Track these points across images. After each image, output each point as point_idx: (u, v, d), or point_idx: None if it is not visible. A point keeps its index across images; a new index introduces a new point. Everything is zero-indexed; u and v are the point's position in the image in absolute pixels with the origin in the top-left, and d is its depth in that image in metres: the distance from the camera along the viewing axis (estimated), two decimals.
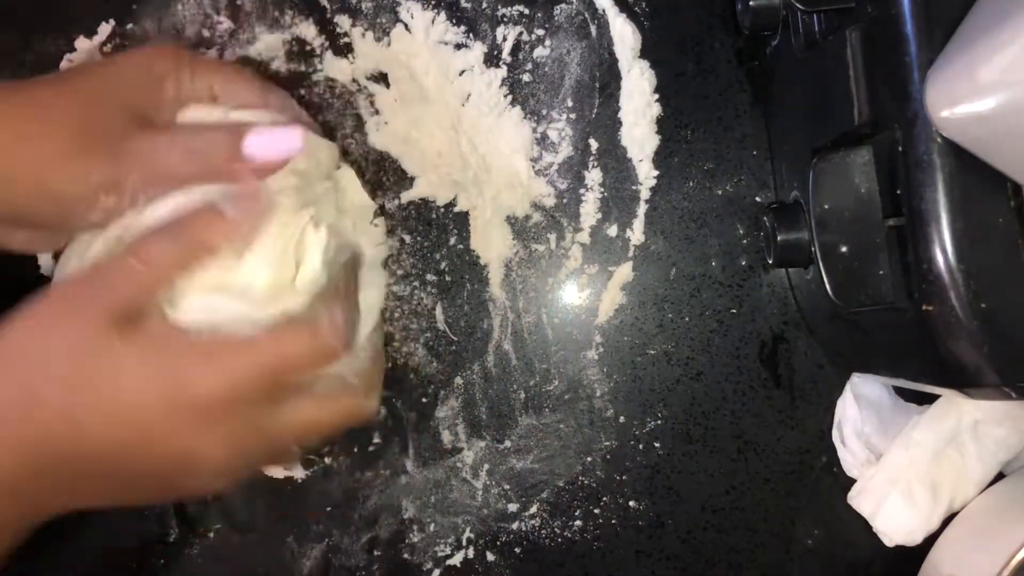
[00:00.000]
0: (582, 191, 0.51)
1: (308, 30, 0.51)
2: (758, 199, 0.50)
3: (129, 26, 0.52)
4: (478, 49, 0.51)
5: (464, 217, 0.51)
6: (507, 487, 0.51)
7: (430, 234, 0.51)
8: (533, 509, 0.51)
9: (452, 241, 0.51)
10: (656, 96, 0.51)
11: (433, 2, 0.51)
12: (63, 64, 0.52)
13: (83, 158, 0.34)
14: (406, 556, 0.51)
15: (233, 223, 0.34)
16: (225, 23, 0.51)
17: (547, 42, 0.51)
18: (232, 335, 0.34)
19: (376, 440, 0.51)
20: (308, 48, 0.51)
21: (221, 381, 0.32)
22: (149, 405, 0.32)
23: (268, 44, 0.51)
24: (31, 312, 0.34)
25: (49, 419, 0.31)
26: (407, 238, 0.51)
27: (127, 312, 0.32)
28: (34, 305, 0.34)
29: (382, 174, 0.51)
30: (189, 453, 0.33)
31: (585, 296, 0.51)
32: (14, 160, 0.34)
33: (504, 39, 0.51)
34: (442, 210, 0.51)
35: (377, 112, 0.51)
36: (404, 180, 0.51)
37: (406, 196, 0.51)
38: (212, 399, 0.32)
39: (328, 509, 0.51)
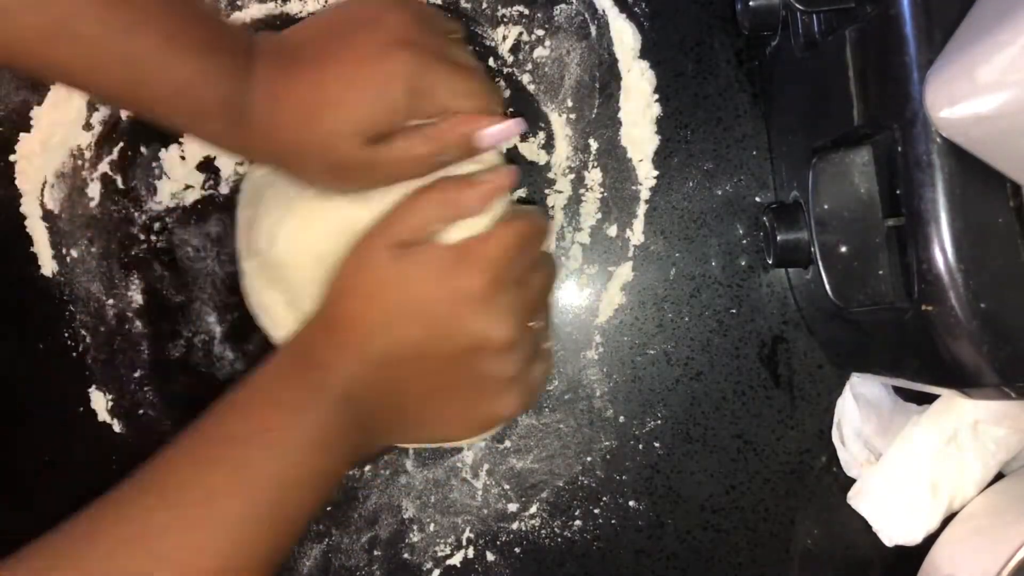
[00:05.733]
0: (582, 191, 0.51)
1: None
2: (758, 199, 0.50)
3: None
4: (477, 49, 0.51)
5: None
6: (507, 487, 0.51)
7: None
8: (533, 509, 0.51)
9: None
10: (656, 96, 0.51)
11: (433, 2, 0.51)
12: None
13: (335, 188, 0.43)
14: (406, 556, 0.51)
15: (486, 192, 0.42)
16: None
17: (547, 42, 0.51)
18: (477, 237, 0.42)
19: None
20: None
21: (482, 268, 0.40)
22: (436, 300, 0.40)
23: None
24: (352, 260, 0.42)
25: (369, 326, 0.40)
26: None
27: (403, 243, 0.41)
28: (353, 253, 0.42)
29: None
30: (478, 334, 0.40)
31: (585, 296, 0.51)
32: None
33: (504, 39, 0.51)
34: None
35: None
36: None
37: None
38: (480, 284, 0.40)
39: (328, 509, 0.51)
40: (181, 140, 0.52)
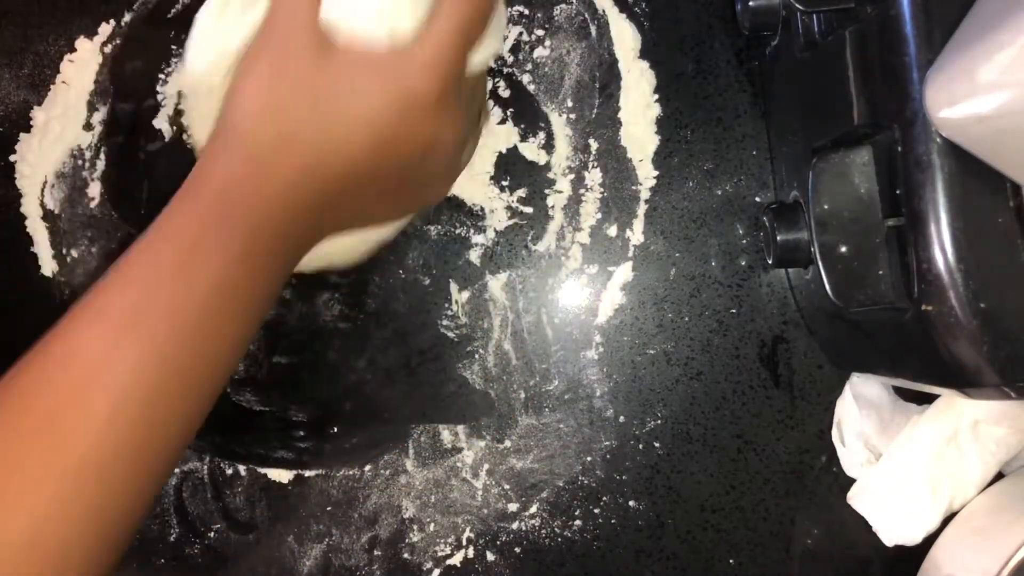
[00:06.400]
0: (582, 191, 0.51)
1: None
2: (758, 199, 0.50)
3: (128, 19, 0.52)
4: None
5: (464, 213, 0.51)
6: (507, 487, 0.51)
7: (429, 233, 0.51)
8: (533, 509, 0.51)
9: (454, 244, 0.51)
10: (656, 96, 0.51)
11: None
12: (63, 64, 0.52)
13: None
14: (406, 556, 0.51)
15: None
16: None
17: (547, 42, 0.51)
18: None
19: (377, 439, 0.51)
20: None
21: (431, 70, 0.36)
22: (383, 111, 0.36)
23: None
24: (253, 64, 0.37)
25: (307, 138, 0.35)
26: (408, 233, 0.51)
27: (323, 39, 0.36)
28: (251, 59, 0.37)
29: None
30: (431, 139, 0.37)
31: (585, 296, 0.51)
32: None
33: (504, 39, 0.51)
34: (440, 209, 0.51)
35: None
36: None
37: None
38: (431, 89, 0.36)
39: (328, 509, 0.51)
40: (181, 137, 0.52)
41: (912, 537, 0.48)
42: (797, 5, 0.40)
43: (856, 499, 0.49)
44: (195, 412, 0.35)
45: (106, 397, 0.32)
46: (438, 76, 0.36)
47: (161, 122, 0.52)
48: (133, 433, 0.33)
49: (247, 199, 0.35)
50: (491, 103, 0.50)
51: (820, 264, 0.42)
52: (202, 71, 0.40)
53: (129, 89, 0.52)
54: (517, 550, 0.51)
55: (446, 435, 0.51)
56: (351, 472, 0.51)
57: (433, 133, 0.37)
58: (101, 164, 0.52)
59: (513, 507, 0.51)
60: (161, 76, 0.52)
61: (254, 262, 0.35)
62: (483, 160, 0.51)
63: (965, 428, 0.47)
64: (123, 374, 0.33)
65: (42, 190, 0.52)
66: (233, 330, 0.35)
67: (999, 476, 0.48)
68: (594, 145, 0.51)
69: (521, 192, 0.51)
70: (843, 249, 0.41)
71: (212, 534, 0.52)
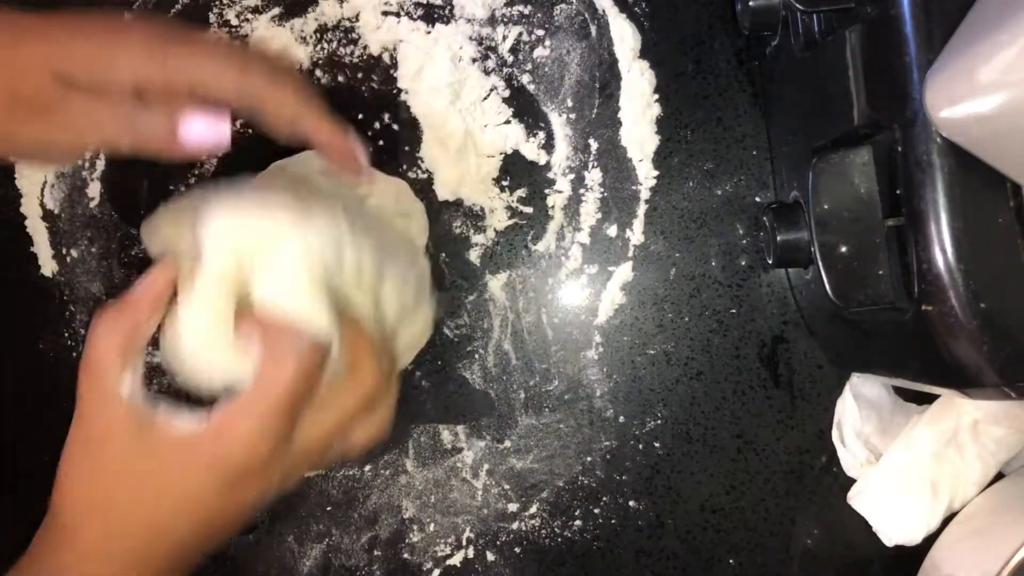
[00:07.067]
0: (582, 191, 0.51)
1: (313, 23, 0.51)
2: (758, 199, 0.50)
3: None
4: (478, 49, 0.51)
5: (464, 212, 0.51)
6: (507, 487, 0.51)
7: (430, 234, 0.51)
8: (533, 509, 0.51)
9: (454, 242, 0.51)
10: (656, 96, 0.51)
11: (433, 3, 0.51)
12: None
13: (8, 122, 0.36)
14: (406, 556, 0.51)
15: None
16: None
17: (547, 42, 0.51)
18: (227, 402, 0.36)
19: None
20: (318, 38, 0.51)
21: (247, 449, 0.36)
22: (208, 486, 0.36)
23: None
24: (73, 455, 0.38)
25: (134, 531, 0.36)
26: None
27: (135, 418, 0.36)
28: (71, 450, 0.38)
29: None
30: (256, 499, 0.38)
31: (585, 296, 0.51)
32: None
33: (504, 39, 0.51)
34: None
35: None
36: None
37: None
38: (248, 467, 0.36)
39: (328, 509, 0.51)
40: None
41: (912, 537, 0.48)
42: (797, 5, 0.40)
43: (856, 499, 0.49)
44: None
45: None
46: (257, 450, 0.36)
47: None
48: None
49: None
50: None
51: (820, 264, 0.42)
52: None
53: None
54: (517, 550, 0.51)
55: (446, 435, 0.51)
56: (351, 472, 0.51)
57: (259, 492, 0.38)
58: (101, 164, 0.52)
59: (513, 507, 0.51)
60: None
61: None
62: (483, 160, 0.51)
63: (965, 428, 0.47)
64: None
65: (42, 190, 0.52)
66: None
67: (999, 476, 0.48)
68: (594, 145, 0.51)
69: (521, 192, 0.51)
70: (843, 249, 0.41)
71: None
